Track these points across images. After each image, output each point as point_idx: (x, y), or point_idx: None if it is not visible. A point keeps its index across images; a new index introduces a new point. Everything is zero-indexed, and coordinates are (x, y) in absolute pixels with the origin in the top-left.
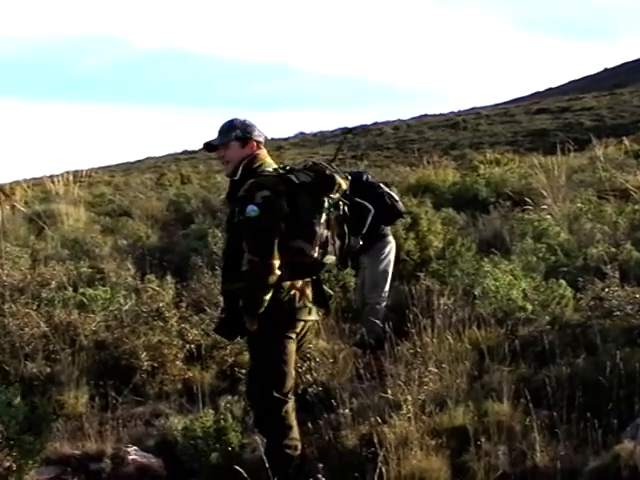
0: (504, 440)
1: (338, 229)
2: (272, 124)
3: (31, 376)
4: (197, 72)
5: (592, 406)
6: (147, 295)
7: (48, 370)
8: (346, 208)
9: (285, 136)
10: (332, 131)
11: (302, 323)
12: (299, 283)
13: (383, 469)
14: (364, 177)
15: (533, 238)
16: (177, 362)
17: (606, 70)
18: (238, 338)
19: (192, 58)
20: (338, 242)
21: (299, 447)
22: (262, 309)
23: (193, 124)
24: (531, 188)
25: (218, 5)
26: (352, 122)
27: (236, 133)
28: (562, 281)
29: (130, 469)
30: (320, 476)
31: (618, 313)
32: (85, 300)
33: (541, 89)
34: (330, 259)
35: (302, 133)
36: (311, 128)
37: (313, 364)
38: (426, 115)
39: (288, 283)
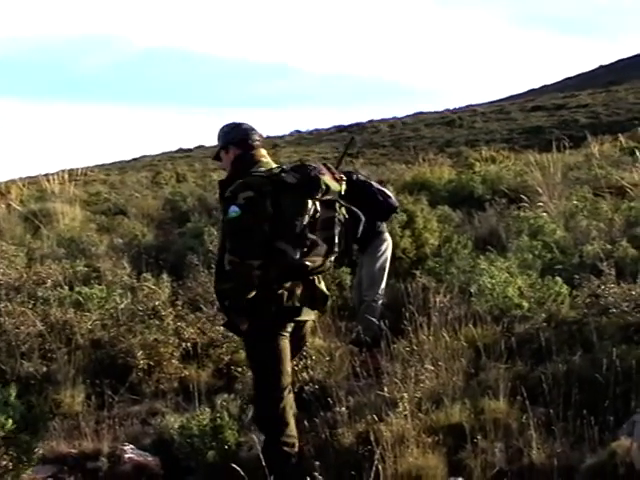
0: (501, 437)
1: (327, 232)
2: (269, 122)
3: (27, 375)
4: (196, 72)
5: (588, 403)
6: (143, 294)
7: (44, 369)
8: (344, 210)
9: (281, 134)
10: (328, 129)
11: (293, 323)
12: (288, 283)
13: (380, 467)
14: (354, 177)
15: (529, 235)
16: (173, 360)
17: (601, 67)
18: (234, 336)
19: (191, 58)
20: (326, 245)
21: (296, 445)
22: (246, 309)
23: (191, 123)
24: (527, 185)
25: (217, 5)
26: (348, 120)
27: (227, 137)
28: (558, 278)
29: (127, 468)
30: (317, 474)
31: (614, 310)
32: (81, 299)
33: (536, 86)
34: (316, 262)
35: (298, 131)
36: (307, 126)
37: (309, 362)
38: (422, 113)
39: (279, 283)
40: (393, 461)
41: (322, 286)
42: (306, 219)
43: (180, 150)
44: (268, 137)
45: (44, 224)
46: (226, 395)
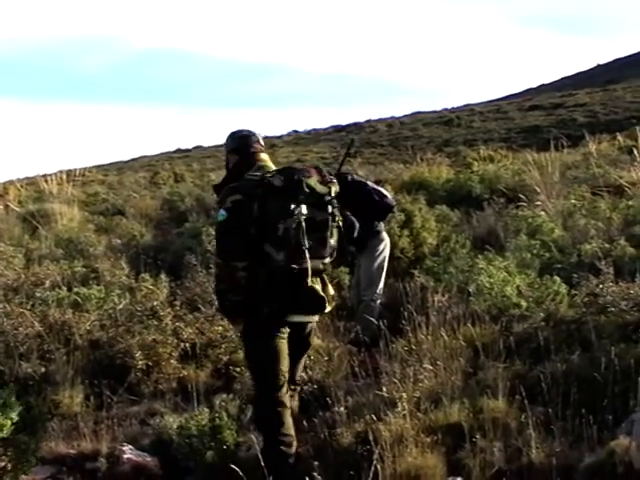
0: (499, 437)
1: (319, 234)
2: (267, 122)
3: (26, 376)
4: (194, 72)
5: (587, 402)
6: (141, 294)
7: (43, 370)
8: (336, 211)
9: (279, 134)
10: (326, 129)
11: (287, 324)
12: (277, 285)
13: (378, 467)
14: (349, 177)
15: (527, 235)
16: (172, 361)
17: (599, 66)
18: (233, 336)
19: (190, 58)
20: (318, 247)
21: (293, 444)
22: (240, 309)
23: (189, 123)
24: (525, 185)
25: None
26: (346, 120)
27: (227, 146)
28: (556, 277)
29: (125, 468)
30: (315, 474)
31: (613, 309)
32: (79, 299)
33: (534, 85)
34: (303, 264)
35: (296, 131)
36: (305, 126)
37: (308, 362)
38: (420, 112)
39: (267, 285)
40: (392, 461)
41: (318, 288)
42: (290, 221)
43: (178, 150)
44: (266, 137)
45: (42, 225)
46: (225, 395)
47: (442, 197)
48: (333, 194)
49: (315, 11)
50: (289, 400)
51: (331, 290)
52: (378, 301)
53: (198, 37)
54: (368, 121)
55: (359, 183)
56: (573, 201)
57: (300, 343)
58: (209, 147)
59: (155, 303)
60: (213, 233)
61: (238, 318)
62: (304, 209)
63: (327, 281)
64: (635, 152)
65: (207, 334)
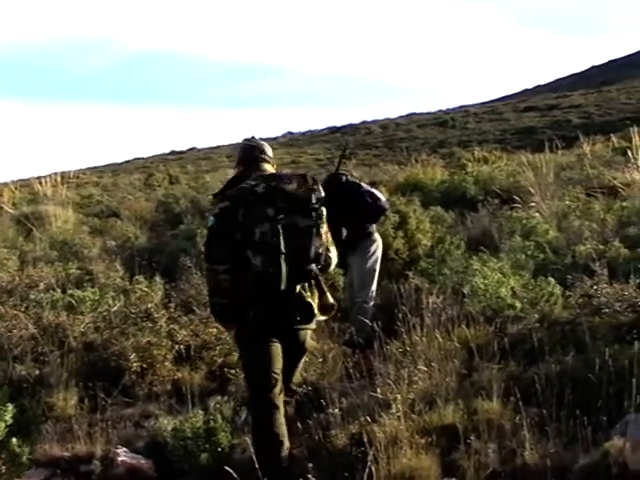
0: (494, 438)
1: (302, 241)
2: (261, 123)
3: (20, 378)
4: (190, 73)
5: (581, 403)
6: (136, 296)
7: (37, 372)
8: (322, 218)
9: (274, 135)
10: (321, 130)
11: (275, 329)
12: (263, 290)
13: (373, 468)
14: (343, 178)
15: (522, 236)
16: (166, 363)
17: (594, 67)
18: (227, 338)
19: (185, 59)
20: (301, 254)
21: (283, 447)
22: (223, 313)
23: (184, 125)
24: (519, 186)
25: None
26: (340, 121)
27: (236, 157)
28: (551, 279)
29: (120, 470)
30: (310, 476)
31: (607, 310)
32: (74, 301)
33: (529, 87)
34: (282, 269)
35: (290, 133)
36: (300, 127)
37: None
38: (414, 113)
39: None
40: (386, 462)
41: (306, 295)
42: (266, 226)
43: (173, 152)
44: (260, 139)
45: (36, 227)
46: (219, 397)
47: (436, 198)
48: (314, 200)
49: (309, 13)
50: (282, 401)
51: (330, 299)
52: (371, 303)
53: (193, 38)
54: (363, 122)
55: (353, 184)
56: (567, 202)
57: (294, 349)
58: (204, 149)
59: (149, 305)
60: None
61: (229, 323)
62: (283, 215)
63: (325, 289)
64: (629, 153)
65: (202, 336)
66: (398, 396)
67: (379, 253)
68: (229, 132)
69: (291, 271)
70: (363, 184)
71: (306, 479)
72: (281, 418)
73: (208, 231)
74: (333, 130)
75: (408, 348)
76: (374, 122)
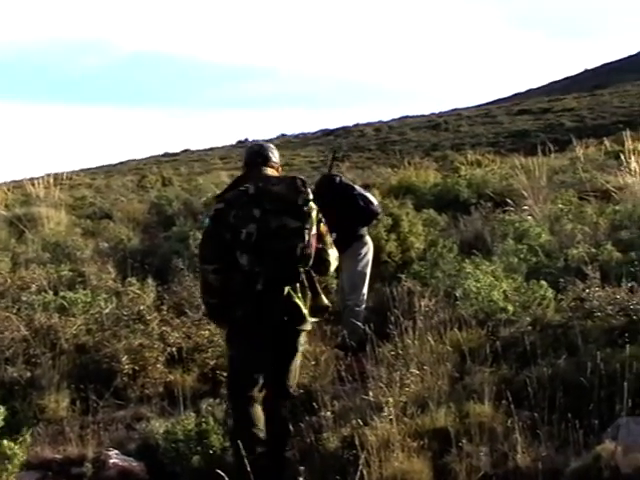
0: (486, 441)
1: (290, 241)
2: (255, 125)
3: (11, 380)
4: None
5: (573, 407)
6: (128, 298)
7: (28, 374)
8: (311, 219)
9: (267, 138)
10: (314, 133)
11: (264, 329)
12: (252, 291)
13: (364, 471)
14: (337, 180)
15: (514, 239)
16: (158, 365)
17: (587, 71)
18: (219, 340)
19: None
20: (290, 253)
21: (258, 443)
22: (215, 312)
23: (177, 127)
24: (512, 189)
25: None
26: (334, 123)
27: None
28: (543, 282)
29: (111, 473)
30: (301, 479)
31: (599, 314)
32: (66, 304)
33: (522, 90)
34: (269, 269)
35: (283, 135)
36: (293, 129)
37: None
38: (407, 116)
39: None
40: (378, 465)
41: (295, 296)
42: (252, 226)
43: (166, 154)
44: (254, 141)
45: (29, 228)
46: (211, 400)
47: (429, 201)
48: (300, 202)
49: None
50: (260, 399)
51: (324, 300)
52: (363, 305)
53: (187, 40)
54: (356, 125)
55: (347, 186)
56: (560, 206)
57: (284, 350)
58: (197, 151)
59: (142, 307)
60: (200, 237)
61: (222, 321)
62: (271, 216)
63: (319, 290)
64: (622, 157)
65: (194, 338)
66: (390, 399)
67: (370, 256)
68: (223, 134)
69: (279, 272)
70: (357, 187)
71: None
72: (259, 412)
73: (203, 232)
74: (326, 132)
75: (400, 351)
76: (367, 125)
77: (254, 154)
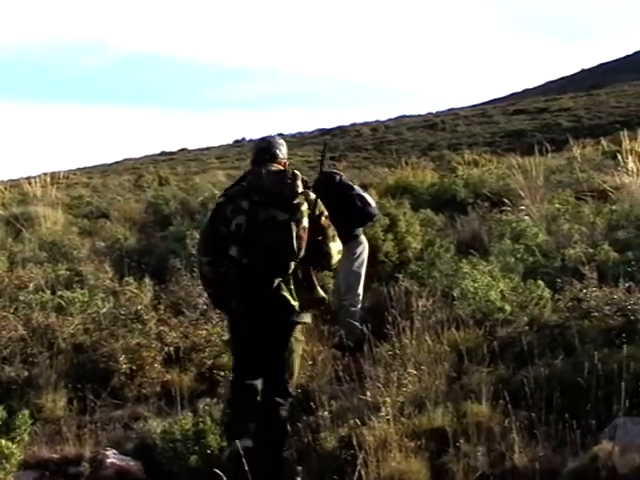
0: (483, 441)
1: (281, 234)
2: (252, 125)
3: (9, 380)
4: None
5: (570, 407)
6: (125, 298)
7: (26, 373)
8: (301, 213)
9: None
10: (311, 132)
11: (257, 322)
12: (245, 283)
13: (362, 471)
14: (337, 178)
15: (511, 239)
16: (156, 365)
17: (583, 71)
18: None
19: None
20: (280, 246)
21: (247, 431)
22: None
23: (174, 126)
24: (509, 189)
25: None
26: (331, 123)
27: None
28: (540, 282)
29: (109, 472)
30: (299, 479)
31: (596, 314)
32: (63, 303)
33: (519, 89)
34: (259, 262)
35: (281, 134)
36: (290, 129)
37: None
38: (404, 116)
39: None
40: (376, 465)
41: (285, 289)
42: (241, 219)
43: (163, 153)
44: (251, 140)
45: (26, 227)
46: (209, 399)
47: (426, 201)
48: (288, 194)
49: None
50: (260, 390)
51: (320, 292)
52: (358, 305)
53: (187, 41)
54: (353, 124)
55: (346, 186)
56: (557, 205)
57: (276, 341)
58: (194, 150)
59: (139, 307)
60: (197, 236)
61: (223, 310)
62: (260, 209)
63: (315, 283)
64: (619, 157)
65: (191, 338)
66: (387, 399)
67: (365, 256)
68: (220, 133)
69: (268, 264)
70: (356, 187)
71: None
72: (254, 402)
73: (203, 225)
74: (323, 132)
75: (398, 351)
76: (364, 124)
77: (261, 151)
